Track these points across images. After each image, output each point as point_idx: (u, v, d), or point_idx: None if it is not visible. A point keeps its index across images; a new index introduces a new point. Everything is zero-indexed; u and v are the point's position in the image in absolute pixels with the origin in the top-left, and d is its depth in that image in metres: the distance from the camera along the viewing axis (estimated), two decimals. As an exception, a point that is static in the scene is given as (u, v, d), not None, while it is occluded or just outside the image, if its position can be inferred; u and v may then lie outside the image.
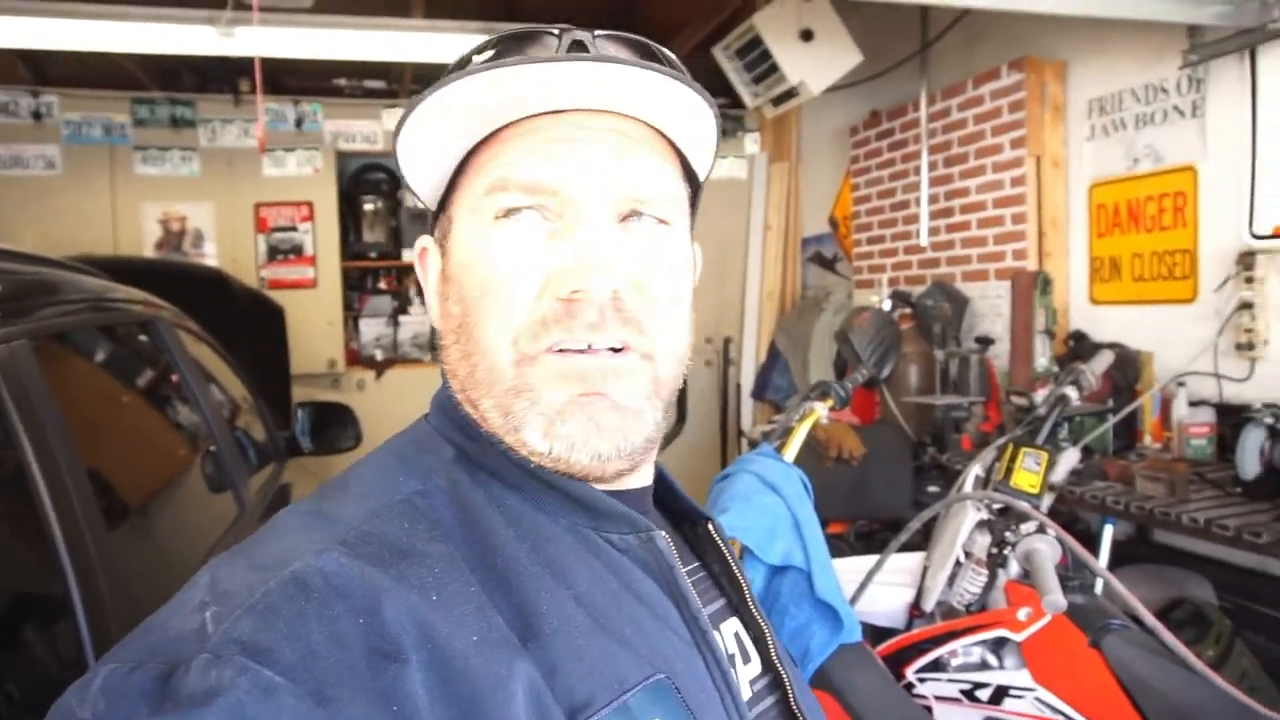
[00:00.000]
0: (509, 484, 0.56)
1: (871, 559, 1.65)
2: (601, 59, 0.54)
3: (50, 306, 1.29)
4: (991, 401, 3.14)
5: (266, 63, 3.68)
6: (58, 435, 1.08)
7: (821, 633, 1.35)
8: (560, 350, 0.54)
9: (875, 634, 1.76)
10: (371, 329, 5.13)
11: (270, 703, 0.41)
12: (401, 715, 0.43)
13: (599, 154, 0.56)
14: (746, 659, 0.64)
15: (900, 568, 1.71)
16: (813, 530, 1.42)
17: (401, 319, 5.19)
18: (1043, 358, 2.96)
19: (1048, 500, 1.82)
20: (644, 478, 0.63)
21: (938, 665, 1.55)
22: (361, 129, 4.67)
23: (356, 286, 5.21)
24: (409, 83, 4.73)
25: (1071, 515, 2.81)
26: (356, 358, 5.09)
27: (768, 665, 0.65)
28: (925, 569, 1.65)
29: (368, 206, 5.02)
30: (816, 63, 3.20)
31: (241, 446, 2.28)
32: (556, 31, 0.57)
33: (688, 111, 0.58)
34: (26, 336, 1.10)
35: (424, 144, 0.58)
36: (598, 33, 0.57)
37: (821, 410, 1.69)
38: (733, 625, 0.65)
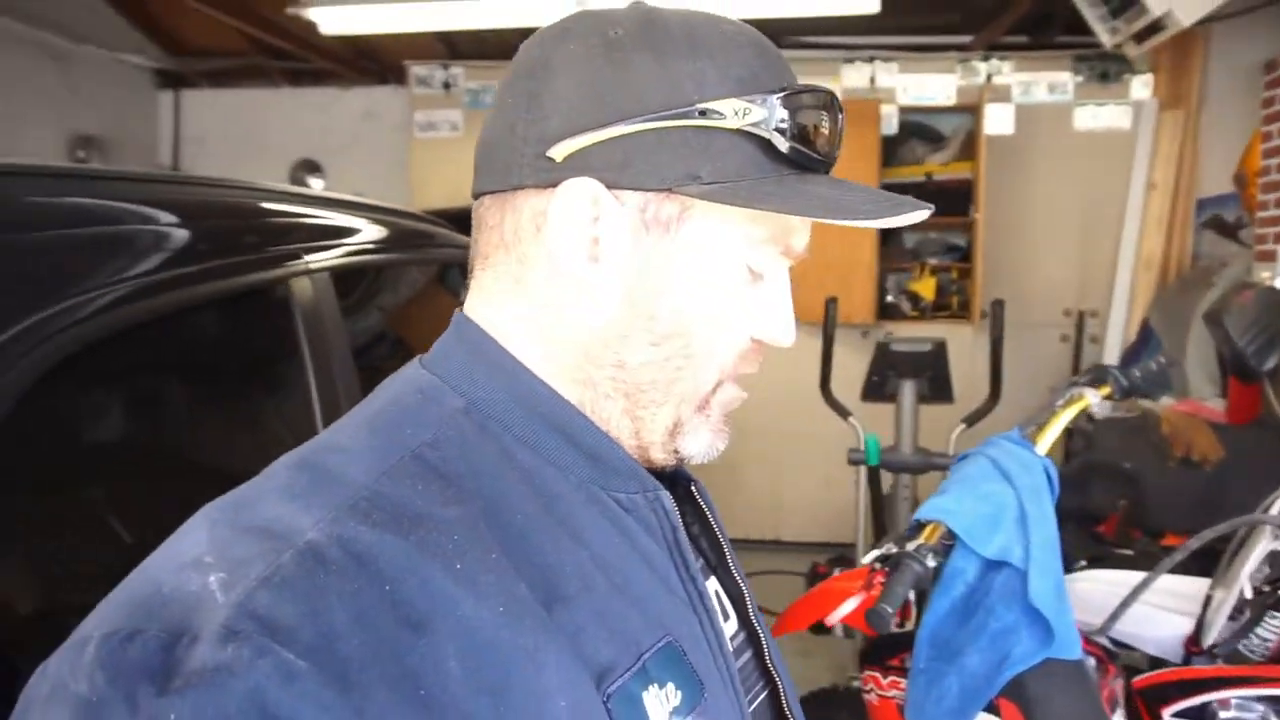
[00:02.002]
0: (521, 437, 0.55)
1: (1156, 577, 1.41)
2: (920, 207, 0.55)
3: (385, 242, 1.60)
4: None
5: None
6: (340, 360, 1.32)
7: (1029, 641, 1.20)
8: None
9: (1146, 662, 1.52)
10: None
11: (292, 688, 0.39)
12: (430, 697, 0.42)
13: None
14: (726, 616, 0.65)
15: (1180, 591, 1.45)
16: (1042, 528, 1.27)
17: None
18: None
19: None
20: None
21: (1204, 713, 1.30)
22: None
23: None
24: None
25: None
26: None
27: (744, 622, 0.66)
28: (1208, 598, 1.38)
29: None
30: (1193, -15, 2.66)
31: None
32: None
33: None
34: (327, 271, 1.36)
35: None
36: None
37: (1092, 398, 1.47)
38: (712, 584, 0.65)
